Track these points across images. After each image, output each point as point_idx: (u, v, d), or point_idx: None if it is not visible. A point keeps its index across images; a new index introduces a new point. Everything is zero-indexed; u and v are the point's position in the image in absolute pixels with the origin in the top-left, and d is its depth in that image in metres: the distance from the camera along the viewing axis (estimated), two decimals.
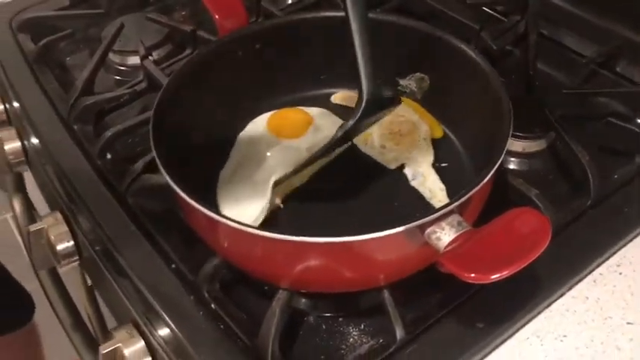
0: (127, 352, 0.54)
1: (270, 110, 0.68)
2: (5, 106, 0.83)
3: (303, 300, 0.55)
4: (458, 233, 0.44)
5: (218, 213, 0.47)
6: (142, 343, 0.55)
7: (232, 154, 0.64)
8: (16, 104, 0.78)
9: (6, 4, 0.92)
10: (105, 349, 0.55)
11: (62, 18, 0.90)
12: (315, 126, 0.65)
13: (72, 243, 0.67)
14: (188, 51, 0.82)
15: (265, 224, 0.58)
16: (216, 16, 0.66)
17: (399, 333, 0.50)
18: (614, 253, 0.57)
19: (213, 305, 0.53)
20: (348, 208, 0.59)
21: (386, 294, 0.51)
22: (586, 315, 0.53)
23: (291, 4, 0.92)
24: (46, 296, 0.80)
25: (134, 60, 0.83)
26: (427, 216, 0.44)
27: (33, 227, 0.68)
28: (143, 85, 0.74)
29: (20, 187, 0.90)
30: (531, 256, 0.41)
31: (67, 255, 0.67)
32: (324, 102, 0.70)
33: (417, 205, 0.59)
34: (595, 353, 0.50)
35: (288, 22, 0.69)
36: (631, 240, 0.58)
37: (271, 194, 0.58)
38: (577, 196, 0.60)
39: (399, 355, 0.49)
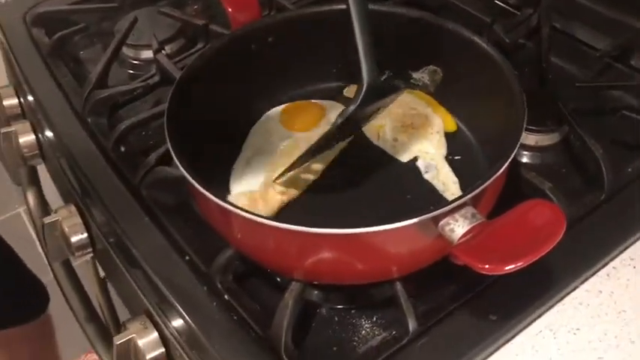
0: (140, 343, 0.55)
1: (282, 103, 0.68)
2: (20, 100, 0.84)
3: (316, 292, 0.56)
4: (471, 225, 0.44)
5: (231, 204, 0.47)
6: (155, 334, 0.55)
7: (245, 146, 0.64)
8: (30, 98, 0.79)
9: None
10: (119, 340, 0.55)
11: (76, 12, 0.91)
12: (327, 119, 0.65)
13: (86, 235, 0.67)
14: (200, 45, 0.83)
15: (278, 216, 0.58)
16: (229, 9, 0.66)
17: (412, 325, 0.50)
18: (628, 246, 0.56)
19: (226, 296, 0.53)
20: (361, 201, 0.59)
21: (398, 286, 0.51)
22: (599, 308, 0.52)
23: None
24: (60, 288, 0.81)
25: (147, 54, 0.83)
26: (440, 208, 0.44)
27: (47, 219, 0.69)
28: (156, 78, 0.75)
29: (34, 181, 0.91)
30: (546, 247, 0.41)
31: (80, 247, 0.68)
32: (336, 95, 0.70)
33: (430, 198, 0.59)
34: (608, 347, 0.50)
35: (300, 15, 0.70)
36: None
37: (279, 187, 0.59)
38: (591, 190, 0.60)
39: (412, 347, 0.49)
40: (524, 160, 0.66)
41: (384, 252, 0.47)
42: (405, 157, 0.63)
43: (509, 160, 0.48)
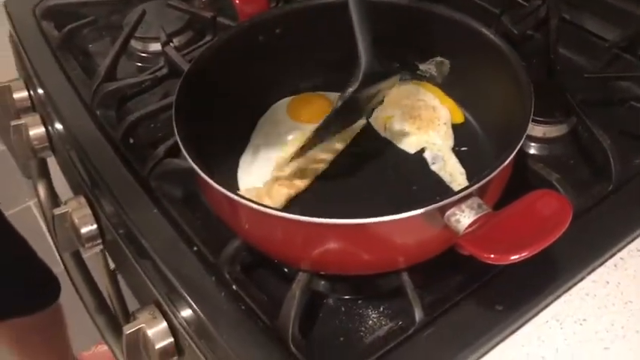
0: (150, 332, 0.55)
1: (290, 95, 0.68)
2: (30, 93, 0.84)
3: (323, 282, 0.56)
4: (478, 215, 0.44)
5: (239, 195, 0.47)
6: (164, 324, 0.56)
7: (253, 138, 0.65)
8: (40, 91, 0.80)
9: None
10: (128, 329, 0.56)
11: (85, 5, 0.91)
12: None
13: (95, 226, 0.68)
14: (208, 37, 0.83)
15: (286, 207, 0.59)
16: (237, 2, 0.67)
17: (418, 315, 0.50)
18: (636, 237, 0.56)
19: (234, 286, 0.54)
20: (368, 192, 0.59)
21: (405, 276, 0.51)
22: (606, 299, 0.52)
23: None
24: (70, 279, 0.82)
25: (155, 47, 0.84)
26: (447, 198, 0.44)
27: (57, 211, 0.69)
28: (164, 71, 0.75)
29: (44, 173, 0.92)
30: (552, 237, 0.41)
31: (90, 238, 0.69)
32: (343, 87, 0.70)
33: (437, 189, 0.59)
34: (615, 337, 0.50)
35: (308, 7, 0.69)
36: None
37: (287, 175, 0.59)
38: (598, 181, 0.60)
39: (418, 337, 0.50)
40: (532, 151, 0.66)
41: (390, 242, 0.47)
42: (412, 149, 0.63)
43: (516, 150, 0.48)
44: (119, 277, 0.87)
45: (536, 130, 0.66)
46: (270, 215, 0.46)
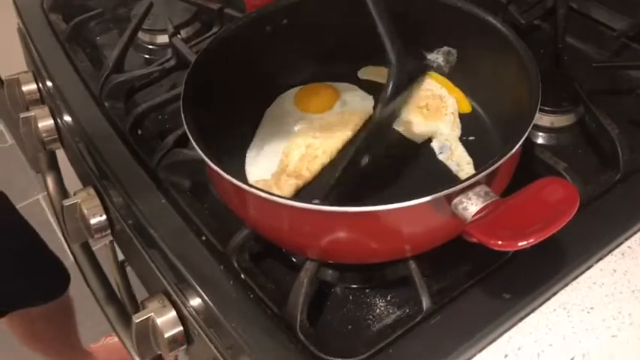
0: (159, 321, 0.56)
1: (297, 85, 0.69)
2: (38, 85, 0.85)
3: (331, 272, 0.56)
4: (485, 203, 0.44)
5: (247, 183, 0.47)
6: (173, 313, 0.56)
7: (260, 128, 0.65)
8: (49, 83, 0.80)
9: None
10: (137, 318, 0.56)
11: None
12: (341, 101, 0.66)
13: (104, 217, 0.68)
14: (216, 29, 0.83)
15: (293, 196, 0.59)
16: None
17: (426, 303, 0.50)
18: None
19: (242, 275, 0.54)
20: (376, 182, 0.59)
21: (412, 265, 0.51)
22: (613, 287, 0.53)
23: None
24: (80, 270, 0.82)
25: (163, 38, 0.84)
26: (454, 186, 0.45)
27: (66, 202, 0.70)
28: (172, 62, 0.75)
29: (53, 165, 0.92)
30: (559, 224, 0.42)
31: (99, 229, 0.69)
32: (350, 77, 0.70)
33: (445, 178, 0.59)
34: (622, 325, 0.50)
35: None
36: None
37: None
38: (606, 170, 0.60)
39: (425, 324, 0.50)
40: (540, 141, 0.66)
41: (398, 230, 0.47)
42: (419, 138, 0.63)
43: (523, 139, 0.48)
44: (127, 270, 0.88)
45: (543, 119, 0.66)
46: (278, 204, 0.46)
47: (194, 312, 0.54)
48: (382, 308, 0.54)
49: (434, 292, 0.51)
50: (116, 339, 1.42)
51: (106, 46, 0.87)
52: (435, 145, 0.62)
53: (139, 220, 0.60)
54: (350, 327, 0.53)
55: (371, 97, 0.67)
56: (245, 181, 0.47)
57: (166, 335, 0.56)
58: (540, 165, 0.60)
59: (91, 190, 0.69)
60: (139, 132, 0.70)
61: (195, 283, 0.54)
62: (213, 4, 0.84)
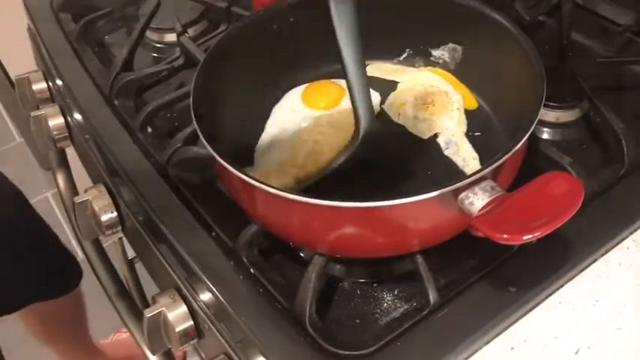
0: (170, 315, 0.57)
1: (304, 82, 0.69)
2: (48, 84, 0.86)
3: (339, 266, 0.57)
4: (491, 198, 0.45)
5: (255, 179, 0.48)
6: (184, 308, 0.57)
7: (268, 125, 0.66)
8: (59, 82, 0.81)
9: None
10: (149, 312, 0.57)
11: None
12: (348, 97, 0.66)
13: (115, 214, 0.69)
14: (223, 27, 0.84)
15: (292, 186, 0.59)
16: None
17: (433, 297, 0.51)
18: None
19: (252, 270, 0.55)
20: (383, 177, 0.60)
21: (419, 259, 0.52)
22: (619, 281, 0.53)
23: None
24: (90, 266, 0.83)
25: (171, 37, 0.85)
26: (460, 181, 0.45)
27: (78, 199, 0.71)
28: (180, 61, 0.76)
29: (64, 163, 0.93)
30: (564, 217, 0.42)
31: (110, 225, 0.70)
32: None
33: (451, 174, 0.60)
34: (627, 318, 0.51)
35: None
36: None
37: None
38: (611, 164, 0.60)
39: (433, 318, 0.51)
40: (545, 136, 0.67)
41: (404, 225, 0.48)
42: (425, 134, 0.64)
43: (528, 134, 0.49)
44: (137, 267, 0.89)
45: (549, 115, 0.67)
46: (287, 199, 0.47)
47: (204, 306, 0.55)
48: (390, 302, 0.54)
49: (441, 286, 0.52)
50: (124, 335, 1.43)
51: (115, 45, 0.88)
52: (441, 140, 0.63)
53: (150, 217, 0.61)
54: (358, 321, 0.53)
55: (377, 93, 0.68)
56: (253, 177, 0.48)
57: (177, 329, 0.57)
58: (546, 160, 0.60)
59: (102, 188, 0.70)
60: (149, 130, 0.71)
61: (205, 278, 0.55)
62: (220, 2, 0.85)
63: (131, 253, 0.84)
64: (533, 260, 0.53)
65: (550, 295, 0.52)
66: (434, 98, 0.65)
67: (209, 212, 0.61)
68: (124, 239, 0.76)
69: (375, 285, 0.56)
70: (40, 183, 1.88)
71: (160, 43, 0.87)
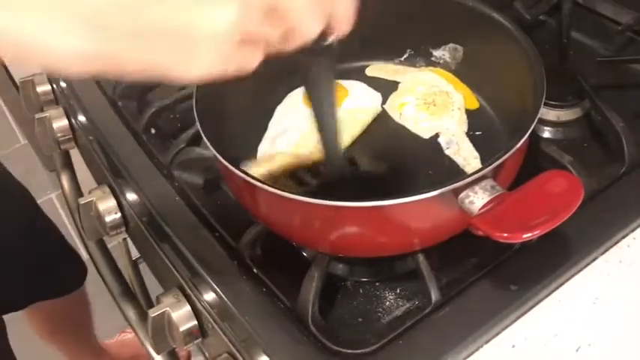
0: (174, 315, 0.57)
1: None
2: (52, 86, 0.86)
3: (341, 266, 0.57)
4: (491, 197, 0.45)
5: (258, 180, 0.48)
6: (188, 308, 0.57)
7: (270, 126, 0.66)
8: (62, 84, 0.81)
9: None
10: (153, 312, 0.57)
11: None
12: (350, 97, 0.67)
13: (119, 215, 0.70)
14: None
15: (293, 184, 0.60)
16: None
17: (434, 295, 0.51)
18: None
19: (255, 270, 0.55)
20: (384, 177, 0.61)
21: (421, 258, 0.52)
22: (619, 278, 0.53)
23: None
24: (95, 267, 0.84)
25: None
26: (460, 180, 0.46)
27: (82, 200, 0.71)
28: None
29: (68, 164, 0.94)
30: (563, 216, 0.42)
31: (114, 226, 0.70)
32: (358, 74, 0.71)
33: (452, 173, 0.60)
34: (627, 316, 0.51)
35: None
36: None
37: None
38: (611, 163, 0.61)
39: (434, 316, 0.51)
40: (546, 135, 0.67)
41: (405, 224, 0.48)
42: (426, 134, 0.64)
43: (528, 133, 0.49)
44: (141, 268, 0.89)
45: (550, 114, 0.67)
46: (289, 199, 0.47)
47: (208, 306, 0.56)
48: (392, 301, 0.55)
49: (442, 284, 0.53)
50: (129, 335, 1.44)
51: None
52: (442, 140, 0.63)
53: (154, 217, 0.62)
54: (360, 319, 0.54)
55: (379, 94, 0.68)
56: (256, 177, 0.49)
57: (182, 329, 0.57)
58: (547, 159, 0.61)
59: (106, 189, 0.71)
60: (153, 131, 0.71)
61: (208, 278, 0.55)
62: None
63: (135, 254, 0.85)
64: (534, 259, 0.53)
65: (551, 293, 0.52)
66: (435, 98, 0.65)
67: (212, 213, 0.61)
68: (129, 240, 0.77)
69: (377, 284, 0.56)
70: (44, 184, 1.89)
71: None
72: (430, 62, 0.70)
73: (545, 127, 0.67)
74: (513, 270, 0.53)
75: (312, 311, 0.51)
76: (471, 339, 0.49)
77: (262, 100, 0.68)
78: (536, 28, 0.78)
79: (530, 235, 0.42)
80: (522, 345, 0.50)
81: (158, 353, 0.65)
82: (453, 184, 0.45)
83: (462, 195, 0.46)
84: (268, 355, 0.49)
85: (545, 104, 0.66)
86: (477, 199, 0.45)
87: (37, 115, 0.82)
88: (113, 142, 0.70)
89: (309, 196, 0.46)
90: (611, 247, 0.55)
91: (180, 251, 0.58)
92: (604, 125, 0.64)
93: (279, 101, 0.69)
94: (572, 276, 0.53)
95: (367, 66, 0.72)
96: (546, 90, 0.53)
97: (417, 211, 0.47)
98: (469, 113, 0.65)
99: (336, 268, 0.57)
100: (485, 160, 0.61)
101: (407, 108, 0.66)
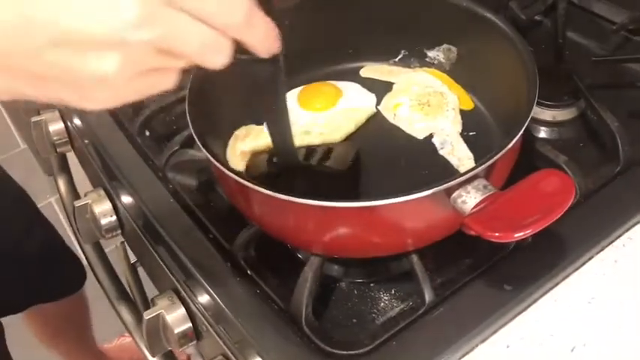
0: (169, 318, 0.57)
1: (300, 85, 0.69)
2: None
3: (335, 267, 0.57)
4: (483, 196, 0.45)
5: (251, 181, 0.48)
6: (182, 310, 0.57)
7: (265, 128, 0.66)
8: None
9: None
10: (148, 315, 0.57)
11: None
12: (344, 98, 0.67)
13: (114, 217, 0.70)
14: None
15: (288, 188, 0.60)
16: None
17: (428, 296, 0.51)
18: None
19: (249, 271, 0.55)
20: (378, 177, 0.60)
21: (415, 258, 0.52)
22: (615, 278, 0.53)
23: None
24: (92, 270, 0.84)
25: None
26: (453, 180, 0.45)
27: (77, 203, 0.71)
28: None
29: (64, 168, 0.94)
30: (555, 215, 0.42)
31: (110, 229, 0.70)
32: (352, 76, 0.71)
33: (446, 173, 0.60)
34: (622, 315, 0.51)
35: None
36: None
37: None
38: (606, 162, 0.61)
39: (428, 317, 0.51)
40: (542, 135, 0.67)
41: (399, 224, 0.48)
42: (421, 134, 0.64)
43: (520, 132, 0.49)
44: (140, 271, 0.89)
45: (545, 113, 0.67)
46: (281, 200, 0.47)
47: (202, 308, 0.55)
48: (386, 302, 0.55)
49: (436, 285, 0.52)
50: (128, 339, 1.44)
51: None
52: (436, 140, 0.63)
53: (148, 220, 0.62)
54: (355, 320, 0.54)
55: (373, 94, 0.68)
56: (249, 179, 0.49)
57: (176, 331, 0.57)
58: (542, 158, 0.61)
59: (101, 191, 0.71)
60: (147, 133, 0.71)
61: (203, 280, 0.55)
62: None
63: (134, 258, 0.85)
64: (529, 258, 0.53)
65: (546, 293, 0.52)
66: (429, 99, 0.65)
67: (206, 214, 0.61)
68: (126, 244, 0.77)
69: (371, 285, 0.56)
70: (43, 189, 1.89)
71: None
72: (424, 63, 0.70)
73: (541, 127, 0.67)
74: (508, 270, 0.53)
75: (305, 312, 0.51)
76: (466, 340, 0.49)
77: (255, 103, 0.67)
78: (532, 28, 0.78)
79: (521, 234, 0.42)
80: (517, 345, 0.50)
81: (153, 356, 0.64)
82: (445, 183, 0.45)
83: (454, 195, 0.46)
84: (262, 357, 0.49)
85: (541, 104, 0.66)
86: (470, 198, 0.45)
87: (33, 119, 0.82)
88: (108, 145, 0.70)
89: (301, 197, 0.46)
90: (607, 246, 0.55)
91: (175, 253, 0.58)
92: (599, 125, 0.63)
93: None
94: (568, 275, 0.53)
95: (361, 67, 0.72)
96: (542, 90, 0.53)
97: (409, 211, 0.47)
98: (463, 114, 0.65)
99: (331, 269, 0.57)
100: (479, 160, 0.61)
101: (401, 109, 0.66)
